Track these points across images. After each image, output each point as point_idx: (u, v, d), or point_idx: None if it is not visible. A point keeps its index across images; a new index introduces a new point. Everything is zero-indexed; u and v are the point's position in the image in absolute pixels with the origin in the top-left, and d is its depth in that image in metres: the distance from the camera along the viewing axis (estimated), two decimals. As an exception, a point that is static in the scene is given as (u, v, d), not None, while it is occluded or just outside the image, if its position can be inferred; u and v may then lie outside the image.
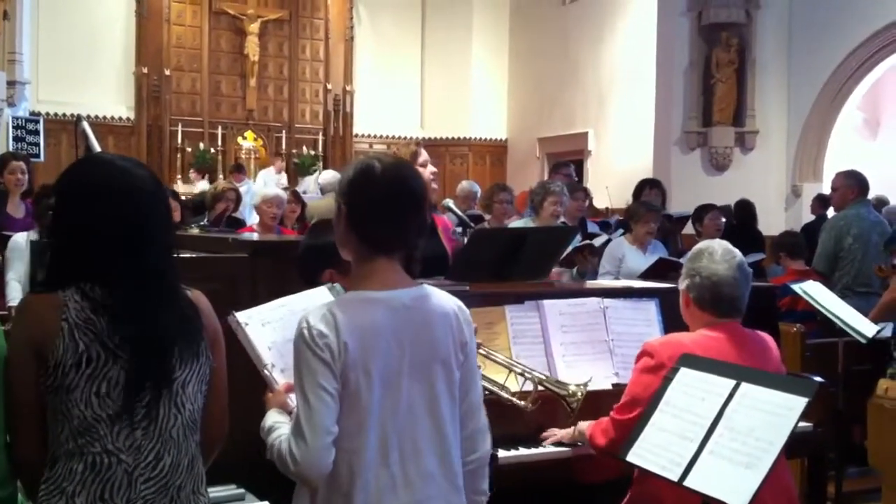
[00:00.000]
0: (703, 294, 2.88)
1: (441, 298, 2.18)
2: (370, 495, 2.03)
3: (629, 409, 2.78)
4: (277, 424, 2.16)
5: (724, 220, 7.14)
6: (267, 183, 12.71)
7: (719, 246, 2.94)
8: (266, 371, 2.35)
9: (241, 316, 2.40)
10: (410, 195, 2.13)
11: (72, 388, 1.87)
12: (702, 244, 3.00)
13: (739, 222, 8.58)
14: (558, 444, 3.04)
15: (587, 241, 5.75)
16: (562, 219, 5.81)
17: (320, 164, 14.76)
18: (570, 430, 3.03)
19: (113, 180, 1.98)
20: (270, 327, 2.39)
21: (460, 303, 2.21)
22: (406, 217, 2.12)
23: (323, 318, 2.02)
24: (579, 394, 2.86)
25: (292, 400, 2.19)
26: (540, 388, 2.93)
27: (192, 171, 14.29)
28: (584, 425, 2.98)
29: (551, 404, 2.94)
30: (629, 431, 2.53)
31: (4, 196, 6.23)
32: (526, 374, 2.95)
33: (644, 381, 2.78)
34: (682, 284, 2.95)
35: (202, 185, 12.76)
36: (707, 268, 2.87)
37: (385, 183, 2.10)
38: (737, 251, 2.94)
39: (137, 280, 1.94)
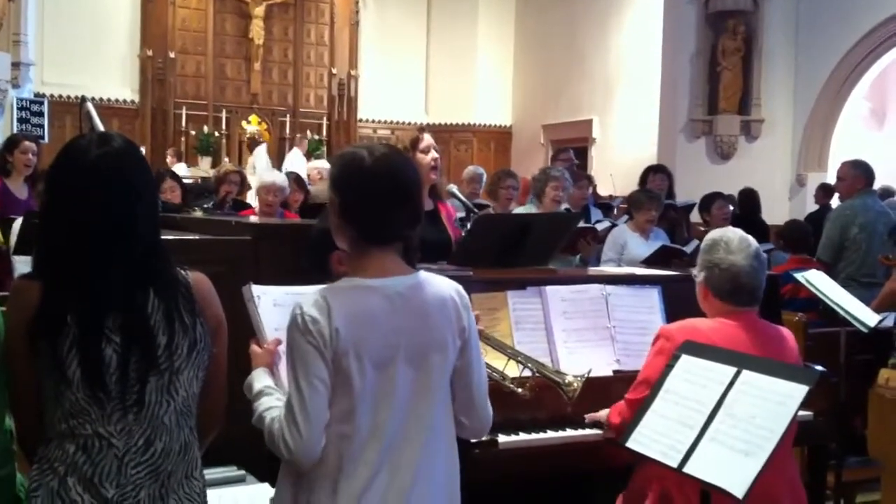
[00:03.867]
0: (722, 286, 2.85)
1: (438, 285, 2.14)
2: (357, 480, 2.00)
3: (641, 389, 2.78)
4: (268, 391, 2.15)
5: (731, 208, 7.13)
6: (293, 164, 12.72)
7: (734, 235, 2.91)
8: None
9: (256, 289, 2.39)
10: (400, 188, 2.10)
11: (63, 370, 1.87)
12: (715, 234, 2.97)
13: (743, 211, 8.55)
14: (571, 427, 3.02)
15: (589, 225, 5.73)
16: (565, 205, 5.78)
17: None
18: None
19: (82, 170, 1.92)
20: (280, 310, 2.37)
21: (459, 287, 2.18)
22: (396, 210, 2.09)
23: (315, 304, 2.00)
24: (576, 384, 2.85)
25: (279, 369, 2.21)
26: (538, 375, 2.92)
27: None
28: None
29: (551, 392, 2.94)
30: None
31: (7, 176, 6.22)
32: (526, 363, 2.94)
33: (657, 363, 2.76)
34: (700, 276, 2.93)
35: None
36: (725, 259, 2.85)
37: (374, 176, 2.07)
38: (751, 239, 2.92)
39: (118, 265, 1.91)
